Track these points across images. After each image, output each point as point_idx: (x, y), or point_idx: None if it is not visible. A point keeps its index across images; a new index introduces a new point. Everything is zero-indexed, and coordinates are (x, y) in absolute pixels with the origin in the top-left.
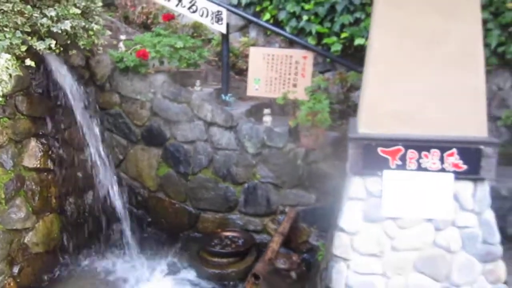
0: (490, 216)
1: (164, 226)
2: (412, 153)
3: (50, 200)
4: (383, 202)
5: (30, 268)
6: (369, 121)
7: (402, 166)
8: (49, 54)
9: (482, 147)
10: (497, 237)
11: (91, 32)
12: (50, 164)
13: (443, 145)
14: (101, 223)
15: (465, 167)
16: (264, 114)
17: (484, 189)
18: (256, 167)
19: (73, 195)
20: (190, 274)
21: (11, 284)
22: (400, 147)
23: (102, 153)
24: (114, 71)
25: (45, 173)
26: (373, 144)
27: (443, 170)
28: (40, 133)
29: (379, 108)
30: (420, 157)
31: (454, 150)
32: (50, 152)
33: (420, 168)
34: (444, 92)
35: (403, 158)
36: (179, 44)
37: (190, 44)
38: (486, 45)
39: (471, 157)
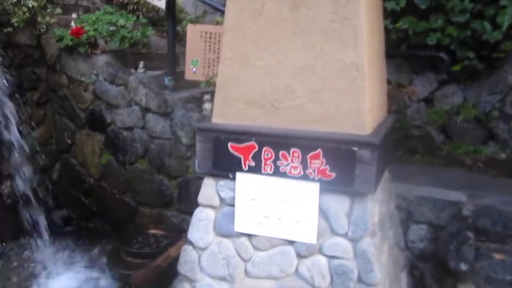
0: (368, 245)
1: (107, 217)
2: (267, 152)
3: None
4: (236, 213)
5: None
6: (220, 108)
7: (257, 169)
8: None
9: (355, 148)
10: (376, 275)
11: (24, 9)
12: None
13: (306, 143)
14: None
15: (333, 174)
16: (204, 100)
17: (362, 208)
18: (190, 159)
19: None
20: (101, 273)
21: None
22: (253, 143)
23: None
24: (62, 51)
25: None
26: (222, 138)
27: (306, 177)
28: None
29: (233, 92)
30: (277, 158)
31: (319, 150)
32: None
33: (277, 172)
34: (312, 71)
35: (257, 158)
36: (121, 22)
37: (131, 22)
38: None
39: (341, 162)
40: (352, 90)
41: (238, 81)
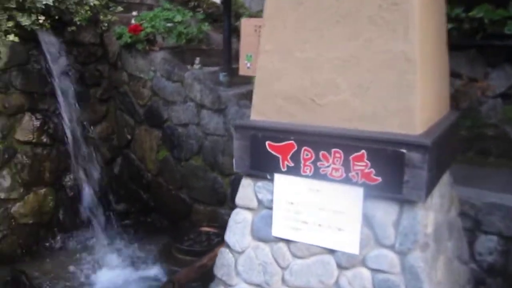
0: (418, 259)
1: (165, 213)
2: (307, 152)
3: (43, 175)
4: (273, 217)
5: (14, 237)
6: (259, 105)
7: (296, 170)
8: (41, 30)
9: (404, 150)
10: None
11: (86, 7)
12: (45, 139)
13: (348, 143)
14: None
15: (378, 179)
16: None
17: (412, 217)
18: None
19: (72, 171)
20: (151, 269)
21: None
22: (292, 142)
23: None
24: (122, 49)
25: (40, 148)
26: (260, 136)
27: (348, 180)
28: (36, 108)
29: (272, 87)
30: (317, 159)
31: (363, 152)
32: (45, 127)
33: (317, 174)
34: (357, 63)
35: (296, 158)
36: (177, 18)
37: (188, 17)
38: None
39: (387, 165)
40: (401, 84)
41: (277, 75)
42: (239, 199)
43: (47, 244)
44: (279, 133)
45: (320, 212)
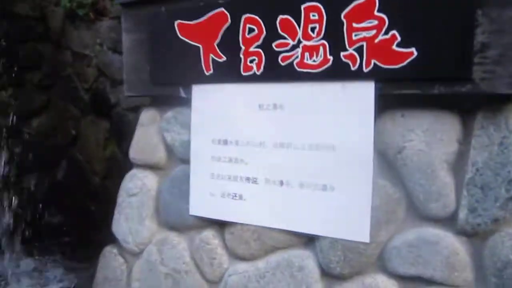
0: None
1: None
2: (251, 26)
3: None
4: (193, 178)
5: None
6: None
7: (231, 69)
8: None
9: None
10: None
11: None
12: None
13: None
14: None
15: (412, 52)
16: None
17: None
18: None
19: None
20: None
21: None
22: (222, 9)
23: None
24: (66, 22)
25: None
26: (163, 15)
27: (341, 70)
28: None
29: None
30: (272, 34)
31: None
32: None
33: (275, 69)
34: None
35: (230, 44)
36: None
37: None
38: None
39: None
40: None
41: None
42: (133, 150)
43: None
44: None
45: (285, 155)
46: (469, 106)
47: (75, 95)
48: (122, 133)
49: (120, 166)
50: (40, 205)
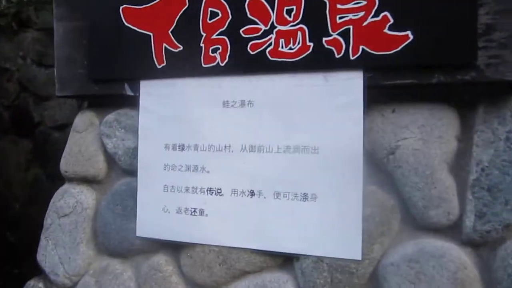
0: None
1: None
2: (214, 8)
3: None
4: (140, 192)
5: None
6: None
7: (189, 60)
8: None
9: None
10: None
11: None
12: None
13: None
14: None
15: (407, 35)
16: None
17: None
18: None
19: None
20: None
21: None
22: None
23: None
24: None
25: None
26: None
27: (323, 58)
28: None
29: None
30: (240, 18)
31: None
32: None
33: (241, 59)
34: None
35: (187, 32)
36: None
37: None
38: None
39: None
40: None
41: None
42: (65, 162)
43: None
44: None
45: (255, 161)
46: (468, 98)
47: None
48: (47, 154)
49: (46, 191)
50: None
